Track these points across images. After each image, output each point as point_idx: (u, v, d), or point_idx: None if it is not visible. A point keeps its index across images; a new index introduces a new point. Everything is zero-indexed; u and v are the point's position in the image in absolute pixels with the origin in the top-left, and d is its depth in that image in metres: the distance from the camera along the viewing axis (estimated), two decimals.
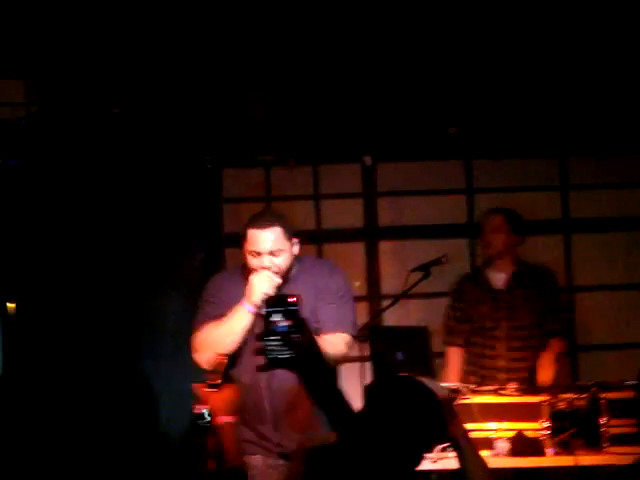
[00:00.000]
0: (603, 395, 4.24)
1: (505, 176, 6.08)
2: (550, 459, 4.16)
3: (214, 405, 3.08)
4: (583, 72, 5.67)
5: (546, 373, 4.87)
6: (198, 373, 5.58)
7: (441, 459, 4.05)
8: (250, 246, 3.78)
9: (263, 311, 1.90)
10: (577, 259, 6.09)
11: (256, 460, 3.76)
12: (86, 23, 5.20)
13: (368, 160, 6.04)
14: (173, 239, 5.78)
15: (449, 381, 4.91)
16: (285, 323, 1.88)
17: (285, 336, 1.87)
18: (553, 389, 4.46)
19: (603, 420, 4.19)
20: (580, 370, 5.93)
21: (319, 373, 1.88)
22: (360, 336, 4.22)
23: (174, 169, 5.79)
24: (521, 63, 5.66)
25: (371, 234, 6.05)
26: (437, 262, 5.00)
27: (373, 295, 5.94)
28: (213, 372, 3.26)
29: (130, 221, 5.71)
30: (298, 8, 5.37)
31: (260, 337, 1.88)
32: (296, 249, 3.81)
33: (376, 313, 5.58)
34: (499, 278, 5.06)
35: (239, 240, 5.89)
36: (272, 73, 5.72)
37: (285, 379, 3.53)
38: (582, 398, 4.32)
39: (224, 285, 3.90)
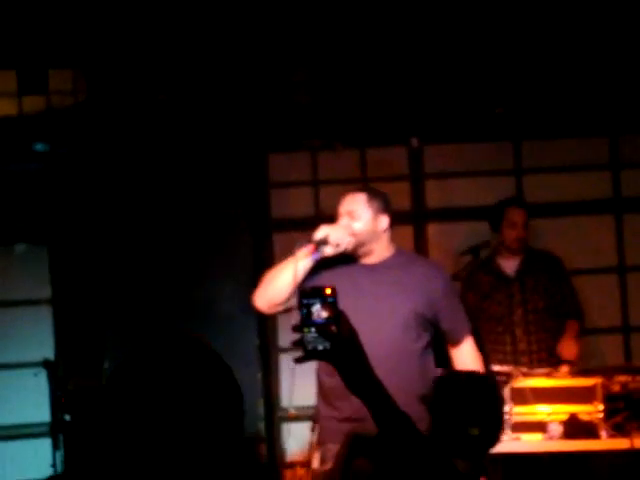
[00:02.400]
0: None
1: (554, 156, 6.00)
2: (604, 442, 4.12)
3: None
4: (632, 49, 5.57)
5: (570, 349, 4.94)
6: (249, 358, 5.65)
7: None
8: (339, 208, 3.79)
9: (300, 302, 1.88)
10: (628, 238, 6.01)
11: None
12: (132, 11, 5.22)
13: (415, 142, 6.00)
14: (221, 224, 5.80)
15: None
16: (322, 314, 1.86)
17: (322, 327, 1.85)
18: (607, 371, 4.41)
19: None
20: (633, 352, 5.86)
21: (358, 366, 1.87)
22: None
23: (220, 154, 5.80)
24: (568, 41, 5.58)
25: (419, 217, 6.01)
26: (486, 244, 4.98)
27: None
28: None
29: (178, 207, 5.74)
30: None
31: (297, 328, 1.87)
32: (383, 224, 3.75)
33: None
34: (510, 265, 5.15)
35: (287, 224, 5.98)
36: (317, 56, 5.70)
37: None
38: (636, 380, 4.27)
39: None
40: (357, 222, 3.71)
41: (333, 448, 3.53)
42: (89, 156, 5.67)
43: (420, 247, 5.95)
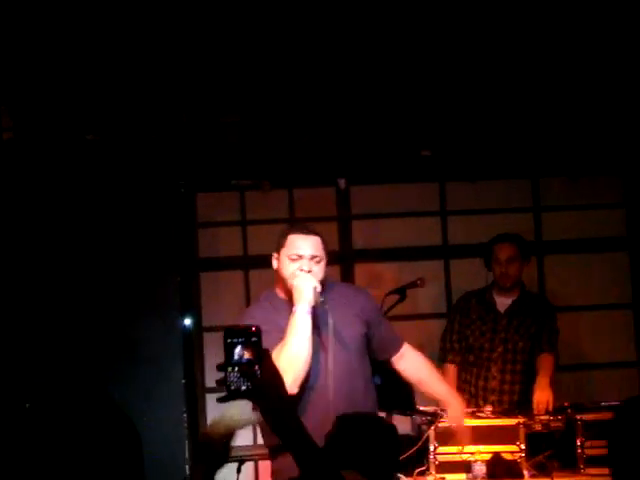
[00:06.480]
0: (579, 416, 4.26)
1: (478, 198, 6.11)
2: None
3: None
4: (552, 94, 5.72)
5: (544, 395, 4.76)
6: (175, 398, 5.60)
7: None
8: (291, 250, 3.69)
9: (224, 342, 1.90)
10: (550, 280, 6.13)
11: None
12: (59, 50, 5.19)
13: (342, 183, 6.06)
14: (148, 264, 5.76)
15: None
16: (245, 354, 1.88)
17: (244, 367, 1.87)
18: (529, 411, 4.48)
19: (579, 441, 4.21)
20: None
21: (278, 406, 1.89)
22: None
23: (148, 194, 5.77)
24: (491, 86, 5.70)
25: (346, 257, 6.06)
26: (413, 285, 5.03)
27: None
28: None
29: (104, 247, 5.68)
30: (270, 34, 5.39)
31: (220, 368, 1.89)
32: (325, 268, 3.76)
33: None
34: (504, 302, 5.14)
35: (214, 264, 5.96)
36: (246, 97, 5.73)
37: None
38: (558, 420, 4.34)
39: (267, 316, 3.65)
40: (319, 266, 3.69)
41: None
42: (12, 195, 5.59)
43: None
